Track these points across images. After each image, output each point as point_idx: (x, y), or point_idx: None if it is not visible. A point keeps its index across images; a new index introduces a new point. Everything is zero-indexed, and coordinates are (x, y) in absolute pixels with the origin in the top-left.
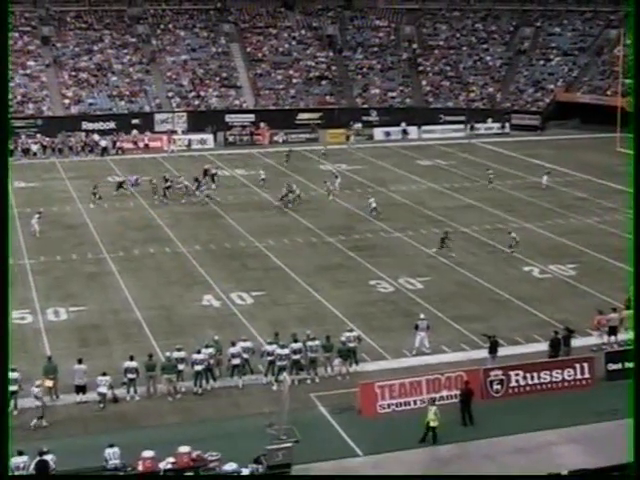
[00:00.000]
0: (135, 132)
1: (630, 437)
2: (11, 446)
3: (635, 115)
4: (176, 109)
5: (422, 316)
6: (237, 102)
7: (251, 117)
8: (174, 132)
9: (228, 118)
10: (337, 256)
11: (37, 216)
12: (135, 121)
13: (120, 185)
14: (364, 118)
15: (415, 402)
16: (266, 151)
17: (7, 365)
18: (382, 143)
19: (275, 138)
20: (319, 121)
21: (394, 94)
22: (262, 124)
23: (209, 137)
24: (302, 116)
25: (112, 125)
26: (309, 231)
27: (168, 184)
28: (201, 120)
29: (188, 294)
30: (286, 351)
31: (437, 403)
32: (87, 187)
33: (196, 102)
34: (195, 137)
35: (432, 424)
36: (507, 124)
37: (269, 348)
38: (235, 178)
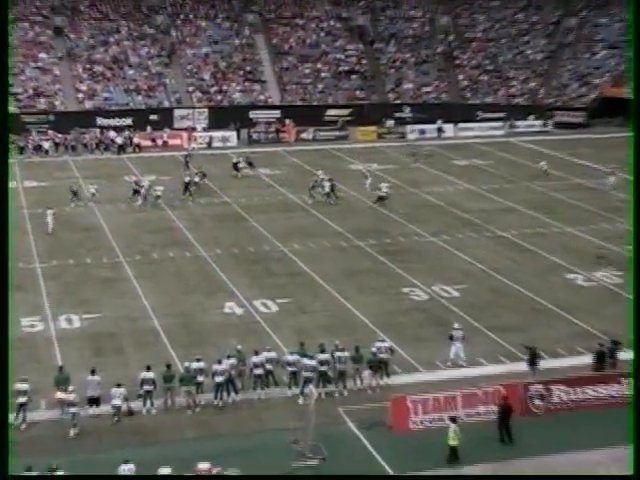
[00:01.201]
0: (149, 128)
1: (630, 437)
2: (18, 460)
3: (635, 113)
4: (197, 105)
5: (457, 326)
6: (262, 97)
7: (276, 113)
8: (194, 129)
9: (252, 114)
10: (367, 261)
11: (51, 212)
12: (153, 117)
13: (187, 187)
14: (396, 115)
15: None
16: (292, 149)
17: (7, 366)
18: (415, 142)
19: (302, 135)
20: (349, 118)
21: (429, 89)
22: (288, 121)
23: (232, 134)
24: (331, 112)
25: (129, 121)
26: (337, 234)
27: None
28: (223, 116)
29: (209, 301)
30: (313, 362)
31: (472, 419)
32: (105, 187)
33: (218, 97)
34: (217, 134)
35: (452, 443)
36: (549, 121)
37: (290, 358)
38: (259, 178)
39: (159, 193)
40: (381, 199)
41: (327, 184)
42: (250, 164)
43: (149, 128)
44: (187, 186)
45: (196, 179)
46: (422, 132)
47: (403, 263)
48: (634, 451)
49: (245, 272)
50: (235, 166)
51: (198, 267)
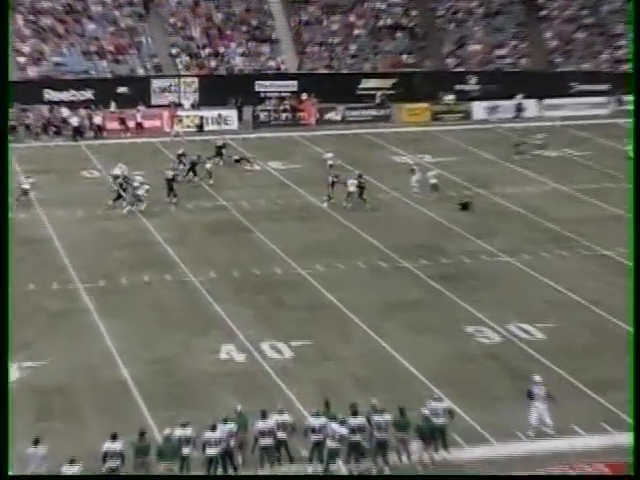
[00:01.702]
0: (113, 105)
1: (630, 437)
2: None
3: (635, 111)
4: (183, 73)
5: (538, 379)
6: (272, 63)
7: (292, 85)
8: (179, 106)
9: (259, 86)
10: (416, 289)
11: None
12: (122, 90)
13: (170, 187)
14: (458, 87)
15: None
16: (314, 135)
17: (7, 366)
18: (484, 124)
19: (327, 116)
20: (392, 91)
21: (503, 52)
22: (307, 96)
23: (231, 114)
24: (367, 84)
25: (88, 95)
26: (375, 251)
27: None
28: (219, 89)
29: (199, 343)
30: (343, 430)
31: None
32: (55, 186)
33: (212, 63)
34: (210, 114)
35: None
36: None
37: (315, 422)
38: (268, 174)
39: (142, 192)
40: (465, 206)
41: (352, 182)
42: (238, 161)
43: (113, 105)
44: (171, 185)
45: (207, 165)
46: (493, 110)
47: (467, 292)
48: (634, 451)
49: (248, 303)
50: (219, 150)
51: (184, 296)
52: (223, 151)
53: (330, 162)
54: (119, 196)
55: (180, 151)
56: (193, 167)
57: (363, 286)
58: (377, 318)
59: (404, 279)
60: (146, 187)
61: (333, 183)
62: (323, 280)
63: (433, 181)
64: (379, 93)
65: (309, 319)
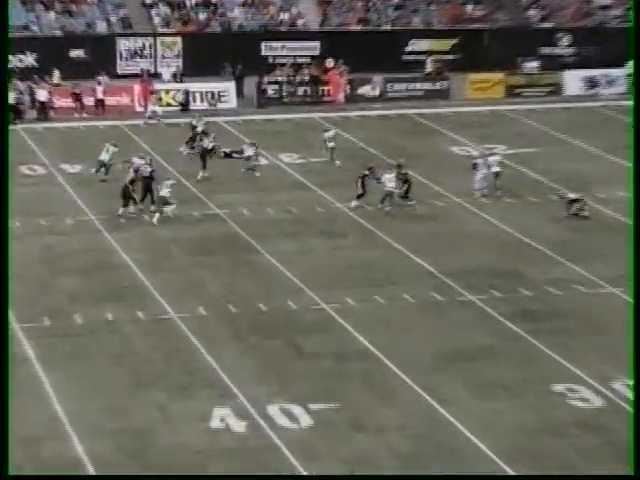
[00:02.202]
0: (57, 75)
1: (630, 437)
2: None
3: (635, 112)
4: (160, 30)
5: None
6: (285, 17)
7: (313, 48)
8: (154, 76)
9: (266, 49)
10: (484, 331)
11: None
12: (76, 53)
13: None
14: (544, 51)
15: None
16: (342, 116)
17: (7, 363)
18: (580, 101)
19: (360, 90)
20: (451, 57)
21: (608, 0)
22: (333, 62)
23: (227, 87)
24: (416, 47)
25: (29, 61)
26: (427, 278)
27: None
28: (211, 53)
29: (182, 407)
30: None
31: None
32: None
33: (201, 16)
34: (199, 87)
35: None
36: None
37: None
38: (279, 171)
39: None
40: (578, 213)
41: (389, 177)
42: (228, 155)
43: (56, 74)
44: (148, 186)
45: (208, 144)
46: (592, 83)
47: (555, 336)
48: (634, 450)
49: (251, 350)
50: (195, 135)
51: (162, 341)
52: (204, 139)
53: (331, 144)
54: (129, 198)
55: (200, 126)
56: (204, 156)
57: (410, 327)
58: (429, 372)
59: (467, 318)
60: (169, 182)
61: (363, 179)
62: (354, 319)
63: (496, 169)
64: (432, 59)
65: (335, 373)
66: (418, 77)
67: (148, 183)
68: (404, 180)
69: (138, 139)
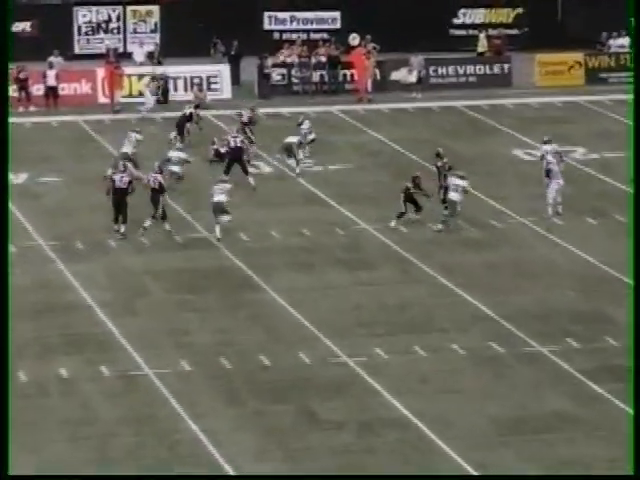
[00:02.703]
0: None
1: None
2: None
3: (635, 112)
4: None
5: None
6: None
7: (332, 19)
8: (121, 56)
9: (270, 22)
10: (558, 392)
11: None
12: (21, 27)
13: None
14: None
15: None
16: (369, 109)
17: (7, 362)
18: None
19: (394, 76)
20: (514, 31)
21: None
22: (358, 39)
23: (219, 71)
24: (467, 18)
25: None
26: (482, 322)
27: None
28: (197, 28)
29: None
30: None
31: None
32: None
33: None
34: (181, 71)
35: None
36: None
37: None
38: (287, 181)
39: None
40: None
41: (459, 183)
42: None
43: None
44: (119, 204)
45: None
46: None
47: None
48: (634, 451)
49: (250, 418)
50: (180, 126)
51: (133, 404)
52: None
53: (311, 136)
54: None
55: (246, 116)
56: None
57: (460, 388)
58: (485, 446)
59: (536, 375)
60: (226, 186)
61: (407, 193)
62: (386, 376)
63: (553, 166)
64: (486, 34)
65: (360, 447)
66: (470, 58)
67: (118, 204)
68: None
69: (102, 139)
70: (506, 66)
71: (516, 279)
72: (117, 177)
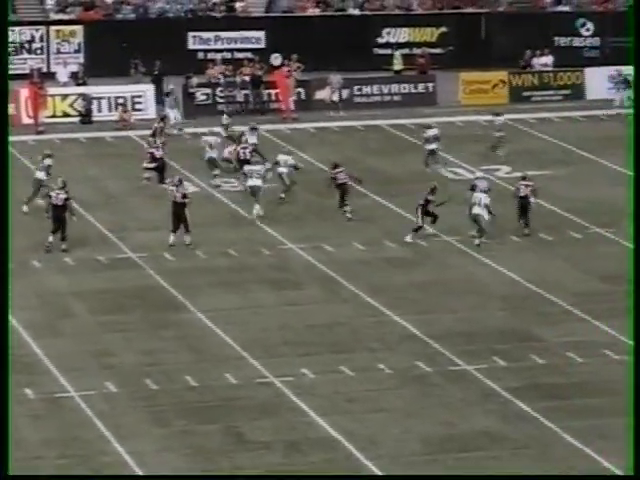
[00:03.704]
0: None
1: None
2: None
3: (635, 112)
4: (55, 17)
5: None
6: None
7: (256, 39)
8: (45, 76)
9: (195, 41)
10: (485, 411)
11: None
12: None
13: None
14: (560, 41)
15: None
16: (293, 129)
17: (7, 362)
18: (608, 107)
19: (318, 95)
20: (439, 50)
21: None
22: (281, 59)
23: (144, 92)
24: (393, 36)
25: None
26: (409, 342)
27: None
28: (122, 48)
29: None
30: None
31: None
32: None
33: None
34: (106, 91)
35: None
36: None
37: None
38: (213, 200)
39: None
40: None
41: (481, 196)
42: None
43: None
44: (58, 220)
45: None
46: (623, 84)
47: (580, 417)
48: (634, 451)
49: (176, 439)
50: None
51: (57, 426)
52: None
53: (252, 140)
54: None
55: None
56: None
57: (387, 407)
58: (413, 465)
59: (463, 394)
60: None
61: (426, 206)
62: (313, 396)
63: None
64: (399, 53)
65: (288, 468)
66: (394, 77)
67: (58, 221)
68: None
69: (24, 160)
70: (430, 85)
71: (442, 298)
72: (53, 194)
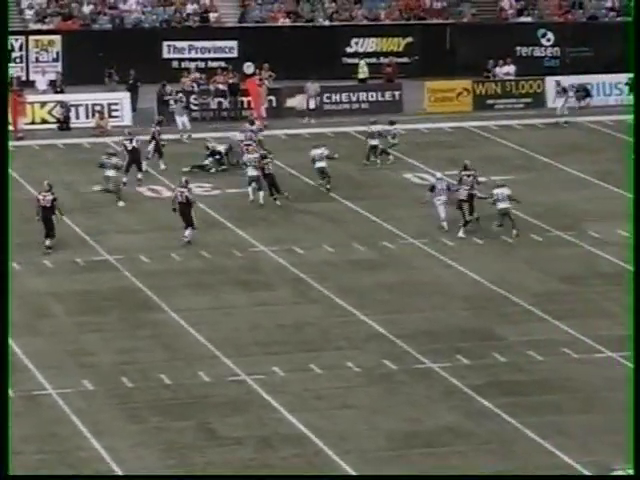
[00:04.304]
0: None
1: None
2: None
3: (635, 112)
4: (34, 27)
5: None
6: (193, 8)
7: (229, 48)
8: (24, 84)
9: (170, 50)
10: (449, 407)
11: None
12: None
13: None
14: (522, 51)
15: None
16: (268, 135)
17: (7, 358)
18: (568, 115)
19: (289, 103)
20: (406, 59)
21: None
22: (253, 68)
23: (120, 98)
24: (362, 46)
25: None
26: (376, 340)
27: None
28: (99, 57)
29: None
30: None
31: None
32: None
33: (85, 9)
34: (83, 99)
35: None
36: None
37: None
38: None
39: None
40: None
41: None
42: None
43: None
44: (45, 221)
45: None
46: (582, 93)
47: (539, 414)
48: (634, 451)
49: (151, 435)
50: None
51: (35, 423)
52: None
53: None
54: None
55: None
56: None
57: (355, 404)
58: (380, 461)
59: (427, 391)
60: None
61: (469, 199)
62: (284, 394)
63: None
64: (364, 62)
65: (259, 463)
66: (362, 85)
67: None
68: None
69: (14, 173)
70: (397, 93)
71: (408, 299)
72: (41, 197)
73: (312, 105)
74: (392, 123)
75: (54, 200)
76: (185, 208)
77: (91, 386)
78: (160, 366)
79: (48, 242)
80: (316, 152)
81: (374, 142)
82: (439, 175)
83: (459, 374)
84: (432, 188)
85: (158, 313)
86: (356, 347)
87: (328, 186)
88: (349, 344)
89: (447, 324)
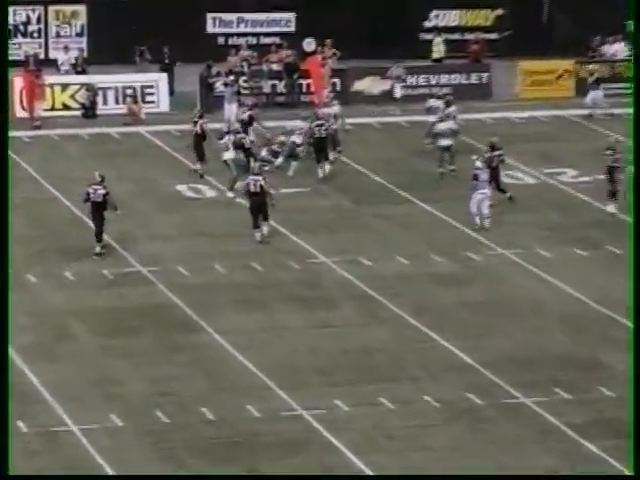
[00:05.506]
0: None
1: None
2: None
3: (635, 112)
4: None
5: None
6: None
7: (286, 21)
8: (43, 63)
9: (214, 24)
10: (546, 450)
11: None
12: None
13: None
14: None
15: None
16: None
17: (7, 360)
18: None
19: (357, 86)
20: (494, 36)
21: None
22: (314, 44)
23: (156, 80)
24: (439, 21)
25: None
26: (458, 370)
27: None
28: (130, 31)
29: None
30: None
31: None
32: None
33: None
34: (112, 80)
35: None
36: None
37: None
38: (232, 206)
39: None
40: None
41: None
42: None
43: None
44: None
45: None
46: None
47: None
48: (634, 451)
49: None
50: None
51: (55, 464)
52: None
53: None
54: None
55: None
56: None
57: (435, 445)
58: None
59: (520, 431)
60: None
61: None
62: (348, 432)
63: (445, 143)
64: (440, 39)
65: None
66: (445, 66)
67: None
68: None
69: (19, 159)
70: (485, 75)
71: (496, 320)
72: (91, 190)
73: (398, 93)
74: (448, 104)
75: (106, 195)
76: (260, 200)
77: (119, 421)
78: (201, 398)
79: (98, 249)
80: (443, 127)
81: (446, 142)
82: (479, 164)
83: (557, 410)
84: (475, 177)
85: (199, 335)
86: (434, 377)
87: (452, 167)
88: (426, 374)
89: (543, 350)
